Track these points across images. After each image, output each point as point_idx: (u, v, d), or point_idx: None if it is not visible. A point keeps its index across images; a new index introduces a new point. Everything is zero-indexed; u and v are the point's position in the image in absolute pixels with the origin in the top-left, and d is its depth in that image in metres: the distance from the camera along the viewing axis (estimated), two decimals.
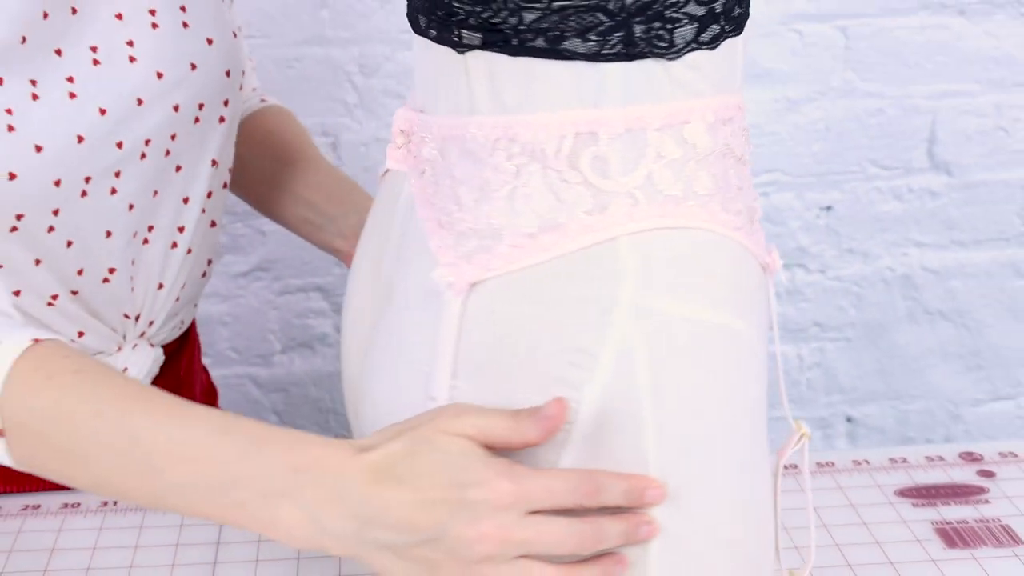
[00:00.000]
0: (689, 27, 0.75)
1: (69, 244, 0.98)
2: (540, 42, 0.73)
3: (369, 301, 0.85)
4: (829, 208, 1.85)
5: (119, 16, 0.98)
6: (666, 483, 0.73)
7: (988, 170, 1.86)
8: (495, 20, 0.73)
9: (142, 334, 1.09)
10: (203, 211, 1.09)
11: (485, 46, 0.74)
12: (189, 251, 1.10)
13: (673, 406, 0.74)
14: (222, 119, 1.07)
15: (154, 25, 1.00)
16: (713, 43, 0.76)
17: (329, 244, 1.20)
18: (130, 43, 0.98)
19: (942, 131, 1.83)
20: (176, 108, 1.01)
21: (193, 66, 1.02)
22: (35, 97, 0.92)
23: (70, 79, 0.95)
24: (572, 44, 0.73)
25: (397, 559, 0.73)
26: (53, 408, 0.79)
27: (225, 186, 1.13)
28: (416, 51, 0.81)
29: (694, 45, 0.75)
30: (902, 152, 1.84)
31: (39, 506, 1.10)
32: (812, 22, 1.76)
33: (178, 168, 1.05)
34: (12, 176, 0.91)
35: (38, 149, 0.92)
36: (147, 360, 1.09)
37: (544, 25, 0.73)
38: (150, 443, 0.77)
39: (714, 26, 0.76)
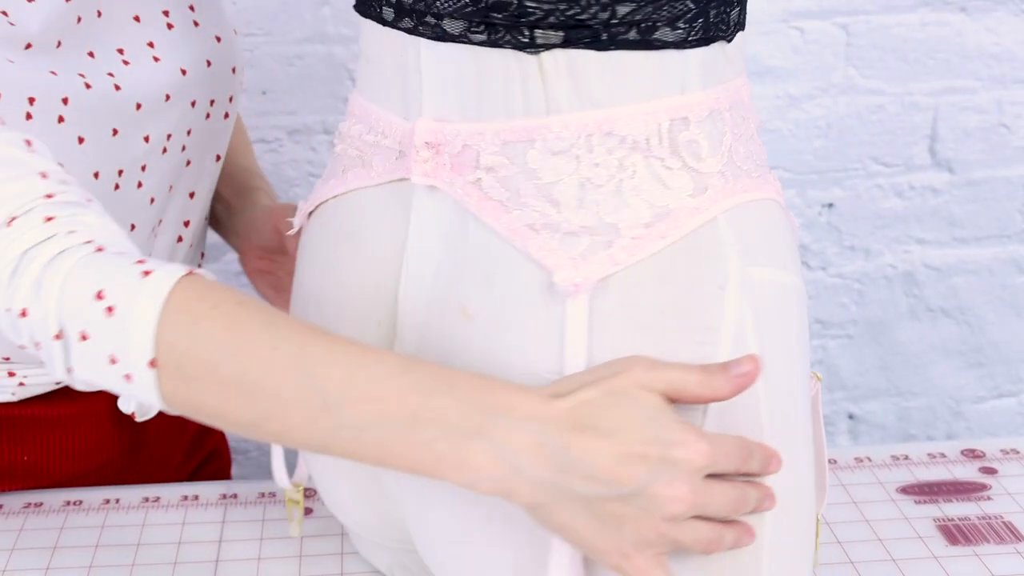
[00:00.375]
0: (736, 9, 0.79)
1: None
2: (632, 34, 0.75)
3: (385, 334, 0.83)
4: (831, 205, 1.85)
5: (136, 18, 0.99)
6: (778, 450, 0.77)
7: (989, 167, 1.86)
8: (582, 16, 0.74)
9: None
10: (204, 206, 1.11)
11: (567, 44, 0.75)
12: (191, 245, 1.11)
13: (774, 370, 0.77)
14: (227, 115, 1.08)
15: (169, 25, 1.01)
16: (744, 24, 0.81)
17: (229, 239, 1.21)
18: (151, 44, 0.99)
19: (943, 128, 1.83)
20: (193, 104, 1.02)
21: (208, 63, 1.03)
22: (87, 86, 0.93)
23: (110, 73, 0.96)
24: (662, 33, 0.76)
25: (586, 511, 0.71)
26: (225, 335, 0.74)
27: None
28: (428, 59, 0.79)
29: (737, 26, 0.80)
30: (903, 149, 1.83)
31: (41, 504, 1.10)
32: (813, 19, 1.76)
33: (188, 163, 1.06)
34: (60, 166, 0.91)
35: (80, 140, 0.93)
36: None
37: (638, 17, 0.75)
38: (327, 379, 0.72)
39: (742, 8, 0.81)
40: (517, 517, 0.75)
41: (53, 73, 0.91)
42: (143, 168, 1.00)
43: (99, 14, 0.96)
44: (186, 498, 1.10)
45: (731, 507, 0.74)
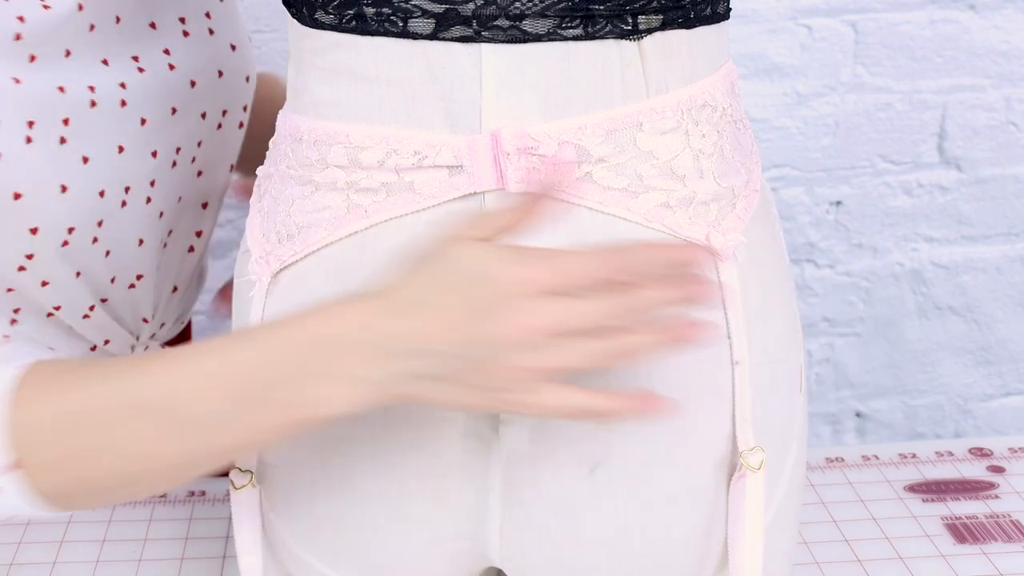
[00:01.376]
0: None
1: (107, 254, 0.97)
2: (708, 10, 0.81)
3: None
4: (838, 203, 1.85)
5: (152, 25, 0.97)
6: None
7: (998, 165, 1.85)
8: None
9: (152, 335, 1.09)
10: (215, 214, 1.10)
11: (664, 26, 0.79)
12: (202, 255, 1.11)
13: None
14: (241, 124, 1.07)
15: (185, 33, 0.99)
16: None
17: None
18: (166, 51, 0.98)
19: (952, 126, 1.82)
20: (203, 116, 1.01)
21: (220, 73, 1.02)
22: (93, 104, 0.91)
23: (123, 84, 0.94)
24: (722, 8, 0.82)
25: (446, 384, 0.71)
26: (63, 408, 0.76)
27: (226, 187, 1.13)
28: (493, 64, 0.77)
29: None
30: (911, 147, 1.83)
31: None
32: (821, 16, 1.76)
33: (199, 174, 1.04)
34: (64, 189, 0.90)
35: (85, 160, 0.92)
36: None
37: None
38: (162, 395, 0.74)
39: None
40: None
41: (61, 89, 0.90)
42: (152, 183, 0.98)
43: (118, 20, 0.94)
44: (192, 494, 1.10)
45: (615, 310, 0.70)
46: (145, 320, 1.07)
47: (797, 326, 0.88)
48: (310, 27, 0.80)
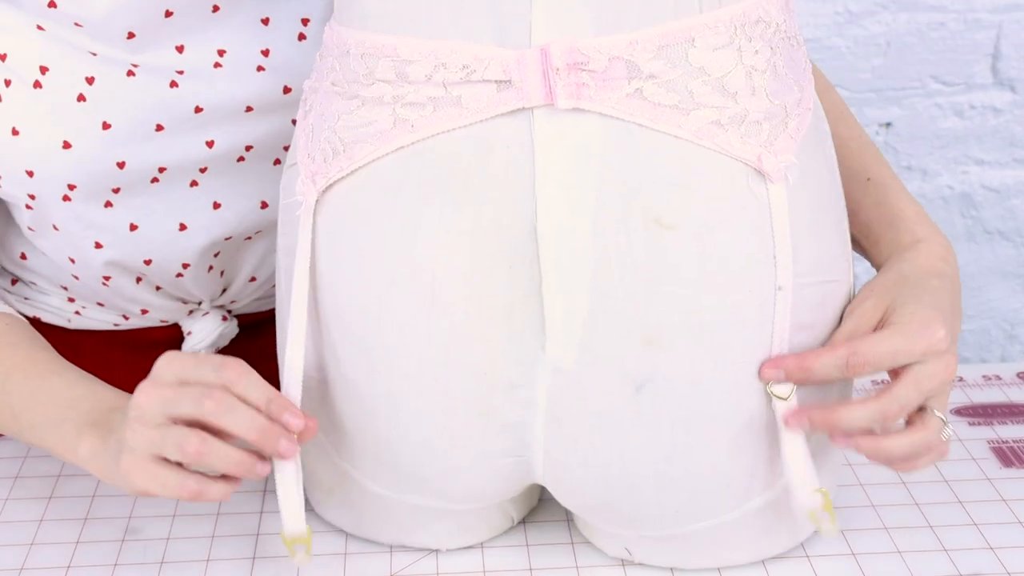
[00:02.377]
0: None
1: (133, 228, 0.97)
2: None
3: (525, 276, 0.80)
4: (888, 125, 1.83)
5: (265, 21, 0.95)
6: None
7: None
8: None
9: (220, 306, 1.09)
10: None
11: None
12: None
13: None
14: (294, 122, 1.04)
15: (301, 36, 0.96)
16: None
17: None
18: (265, 52, 0.95)
19: (1006, 46, 1.79)
20: (294, 122, 0.94)
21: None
22: (130, 74, 0.92)
23: (180, 71, 0.93)
24: None
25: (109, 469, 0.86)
26: None
27: None
28: None
29: None
30: (964, 67, 1.80)
31: None
32: None
33: (276, 162, 1.00)
34: (67, 145, 0.91)
35: (106, 126, 0.92)
36: (212, 330, 1.07)
37: None
38: (15, 394, 0.92)
39: None
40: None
41: (93, 54, 0.91)
42: (203, 170, 0.96)
43: (215, 8, 0.93)
44: None
45: (193, 407, 0.81)
46: (200, 303, 1.07)
47: (848, 247, 0.87)
48: None
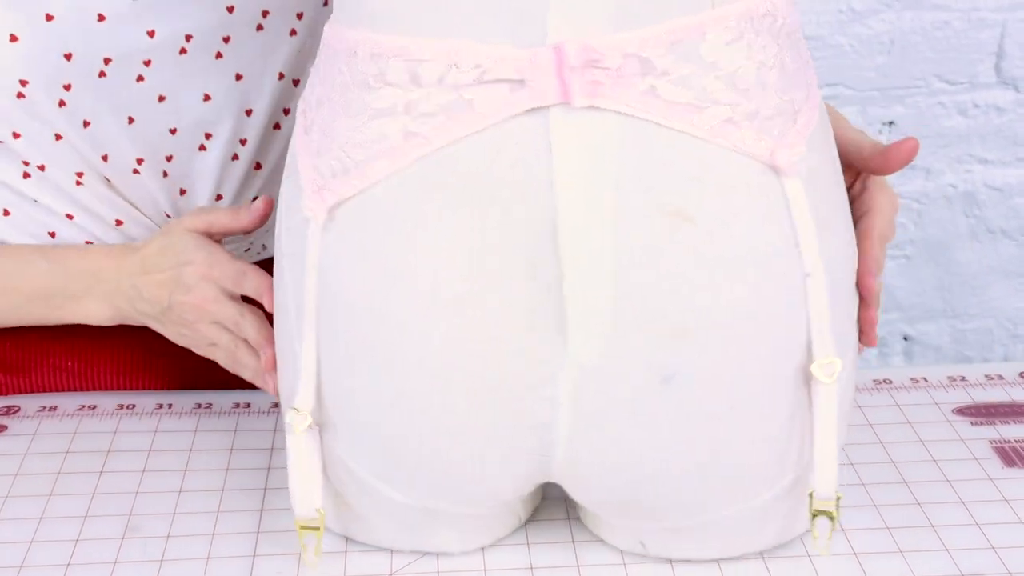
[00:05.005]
0: None
1: (86, 124, 0.98)
2: None
3: (548, 275, 0.79)
4: (892, 123, 1.83)
5: None
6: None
7: None
8: None
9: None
10: (276, 126, 1.07)
11: None
12: (259, 166, 1.09)
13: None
14: (293, 32, 1.04)
15: None
16: None
17: None
18: None
19: (1010, 45, 1.79)
20: (231, 9, 0.99)
21: None
22: None
23: None
24: None
25: (158, 323, 1.02)
26: None
27: None
28: None
29: None
30: (968, 66, 1.80)
31: (95, 406, 1.10)
32: None
33: (239, 77, 1.02)
34: (13, 39, 0.92)
35: (49, 18, 0.92)
36: None
37: None
38: None
39: None
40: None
41: None
42: (147, 63, 0.98)
43: None
44: (238, 405, 1.10)
45: (229, 321, 0.98)
46: (168, 215, 1.06)
47: (854, 243, 0.87)
48: None
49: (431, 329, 0.80)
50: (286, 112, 1.07)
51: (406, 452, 0.85)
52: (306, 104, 0.86)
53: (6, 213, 1.04)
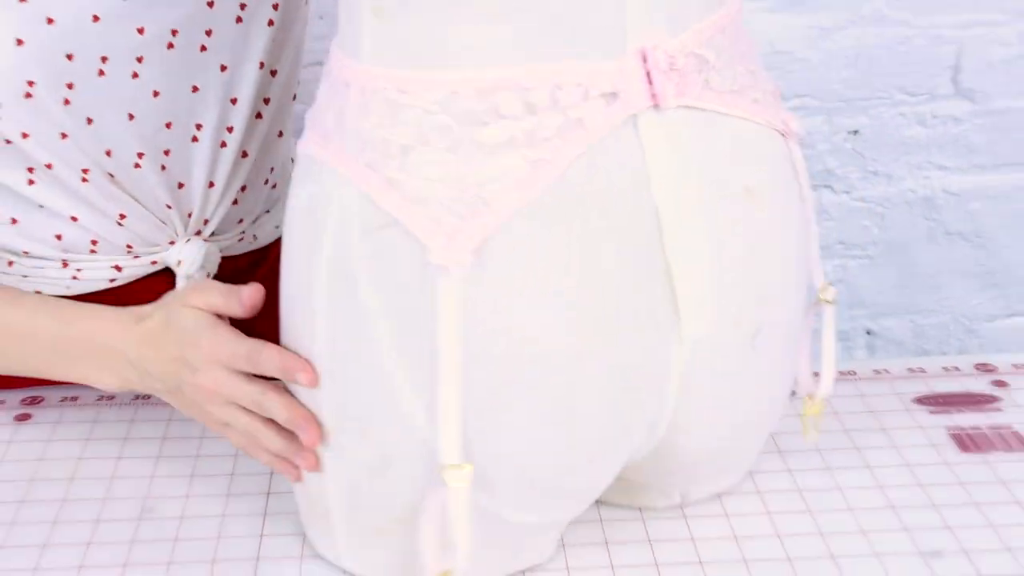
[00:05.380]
0: None
1: (89, 121, 0.98)
2: None
3: (662, 272, 0.80)
4: (856, 132, 1.83)
5: None
6: (317, 367, 0.82)
7: (1010, 97, 1.82)
8: None
9: (198, 232, 1.09)
10: (258, 116, 1.07)
11: None
12: (245, 154, 1.08)
13: None
14: (271, 22, 1.04)
15: None
16: None
17: None
18: None
19: (967, 60, 1.79)
20: (211, 4, 0.99)
21: None
22: None
23: None
24: None
25: (172, 398, 0.92)
26: None
27: (294, 98, 1.11)
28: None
29: None
30: (927, 79, 1.80)
31: (113, 397, 1.11)
32: None
33: (223, 68, 1.02)
34: (20, 42, 0.92)
35: (50, 21, 0.93)
36: (197, 254, 1.07)
37: None
38: (14, 324, 0.96)
39: None
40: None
41: None
42: (139, 59, 0.98)
43: None
44: None
45: (249, 401, 0.87)
46: (170, 207, 1.06)
47: None
48: None
49: (579, 345, 0.78)
50: (266, 102, 1.07)
51: (545, 470, 0.82)
52: (372, 159, 0.77)
53: (14, 221, 1.04)
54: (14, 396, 1.11)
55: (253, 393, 0.86)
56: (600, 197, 0.77)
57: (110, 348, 0.92)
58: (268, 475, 0.99)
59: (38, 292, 1.06)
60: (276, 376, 0.85)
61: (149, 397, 1.09)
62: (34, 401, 1.10)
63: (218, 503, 0.97)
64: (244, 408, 0.87)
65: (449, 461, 0.76)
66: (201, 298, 0.89)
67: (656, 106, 0.77)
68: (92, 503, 0.97)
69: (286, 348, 0.85)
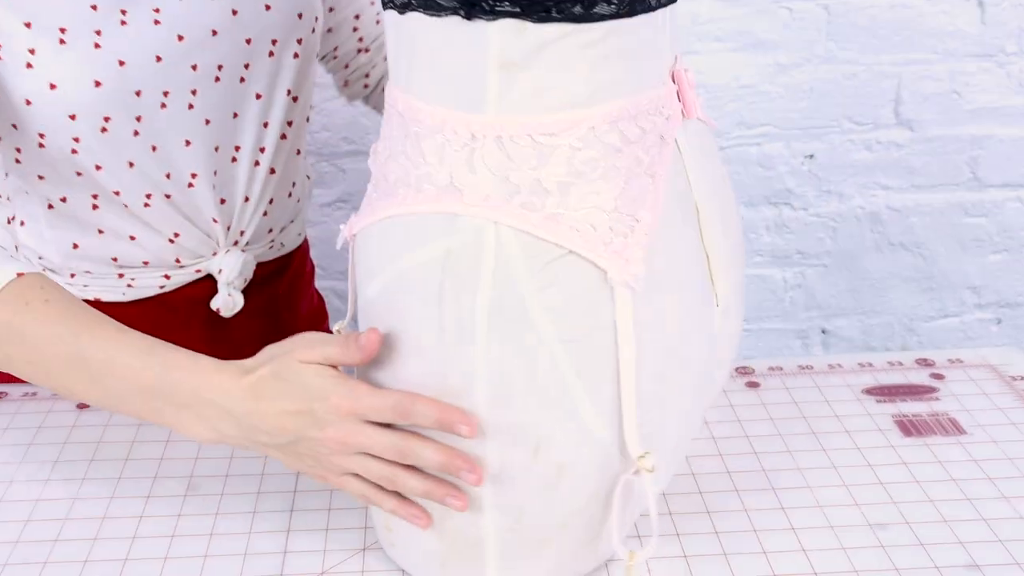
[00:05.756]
0: None
1: (154, 149, 0.98)
2: None
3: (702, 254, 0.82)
4: (811, 156, 1.83)
5: None
6: (478, 411, 0.73)
7: (943, 126, 1.82)
8: None
9: (235, 243, 1.09)
10: (283, 136, 1.07)
11: None
12: (272, 171, 1.08)
13: None
14: (296, 55, 1.04)
15: None
16: None
17: None
18: None
19: (906, 93, 1.79)
20: (248, 41, 0.99)
21: (267, 7, 1.00)
22: (123, 23, 0.93)
23: (156, 9, 0.94)
24: None
25: (279, 452, 0.79)
26: (25, 331, 0.82)
27: (308, 120, 1.11)
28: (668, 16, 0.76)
29: None
30: (872, 110, 1.80)
31: None
32: (799, 0, 1.73)
33: (258, 96, 1.03)
34: (98, 84, 0.92)
35: (121, 64, 0.93)
36: (236, 263, 1.07)
37: None
38: (93, 361, 0.81)
39: None
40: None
41: (93, 8, 0.91)
42: (193, 92, 0.98)
43: None
44: None
45: (393, 451, 0.75)
46: (216, 221, 1.06)
47: None
48: (583, 22, 0.70)
49: (700, 329, 0.81)
50: (289, 124, 1.08)
51: (684, 442, 0.86)
52: (527, 200, 0.72)
53: (75, 246, 1.03)
54: None
55: (395, 441, 0.75)
56: (681, 201, 0.79)
57: (211, 402, 0.78)
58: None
59: (97, 300, 1.06)
60: (431, 427, 0.74)
61: None
62: None
63: (254, 482, 0.96)
64: (375, 456, 0.77)
65: (636, 453, 0.74)
66: (317, 353, 0.77)
67: (688, 118, 0.80)
68: (143, 481, 0.96)
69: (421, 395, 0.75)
